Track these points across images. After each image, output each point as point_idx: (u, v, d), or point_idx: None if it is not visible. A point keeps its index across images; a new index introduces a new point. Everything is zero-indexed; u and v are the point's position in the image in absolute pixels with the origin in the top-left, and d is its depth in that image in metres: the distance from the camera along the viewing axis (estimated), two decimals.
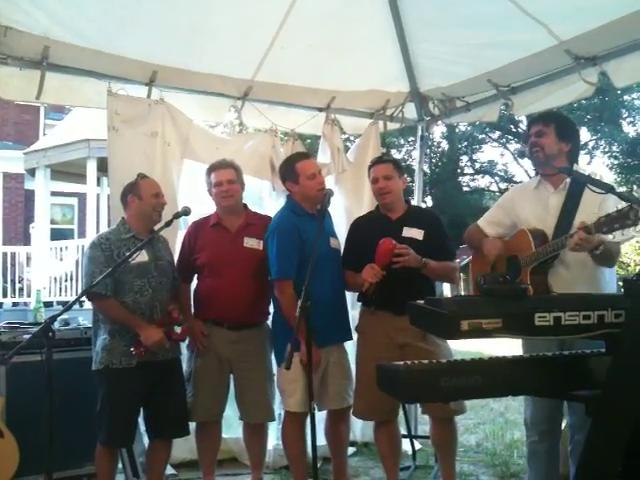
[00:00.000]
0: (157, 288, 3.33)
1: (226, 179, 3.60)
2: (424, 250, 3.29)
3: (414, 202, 5.05)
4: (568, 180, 2.92)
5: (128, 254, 3.11)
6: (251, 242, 3.57)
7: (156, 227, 3.42)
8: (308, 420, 3.03)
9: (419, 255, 3.25)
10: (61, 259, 11.32)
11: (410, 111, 5.07)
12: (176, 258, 3.72)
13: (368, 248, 3.28)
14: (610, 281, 2.93)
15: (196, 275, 3.70)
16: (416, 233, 3.38)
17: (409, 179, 4.56)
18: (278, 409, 3.81)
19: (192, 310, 3.67)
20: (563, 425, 3.11)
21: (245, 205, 3.76)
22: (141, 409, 3.37)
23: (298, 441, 3.44)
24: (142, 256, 3.24)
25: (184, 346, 3.68)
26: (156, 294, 3.32)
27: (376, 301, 3.35)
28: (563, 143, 2.96)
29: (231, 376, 3.61)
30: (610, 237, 2.41)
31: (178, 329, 3.40)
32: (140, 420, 3.44)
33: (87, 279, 3.22)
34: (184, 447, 3.95)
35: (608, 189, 2.41)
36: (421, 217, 3.53)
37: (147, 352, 3.18)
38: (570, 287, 2.73)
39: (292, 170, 3.52)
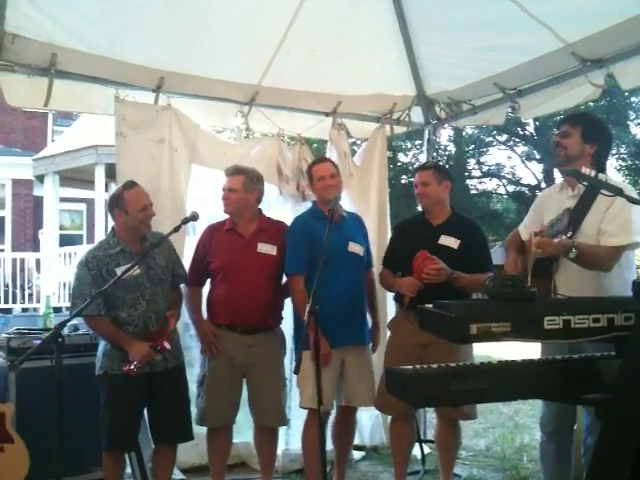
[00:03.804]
0: (151, 300, 3.31)
1: (227, 187, 3.62)
2: (457, 259, 3.39)
3: None
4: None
5: (119, 275, 3.05)
6: (265, 247, 3.58)
7: (164, 233, 3.40)
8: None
9: (450, 264, 3.33)
10: (70, 265, 11.36)
11: (417, 115, 5.06)
12: (184, 263, 3.72)
13: (406, 251, 3.45)
14: (622, 285, 2.88)
15: (209, 280, 3.70)
16: (452, 242, 3.47)
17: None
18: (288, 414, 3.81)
19: (204, 314, 3.67)
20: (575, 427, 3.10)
21: (260, 210, 3.76)
22: (145, 413, 3.38)
23: (316, 441, 3.43)
24: (133, 269, 3.17)
25: (197, 350, 3.69)
26: (150, 306, 3.30)
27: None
28: (588, 145, 2.95)
29: (244, 380, 3.61)
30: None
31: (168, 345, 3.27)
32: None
33: (77, 300, 3.18)
34: (193, 452, 3.96)
35: (617, 192, 2.40)
36: (460, 226, 3.58)
37: (138, 368, 3.14)
38: (573, 291, 2.73)
39: (309, 174, 3.77)
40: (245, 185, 3.61)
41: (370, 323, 3.82)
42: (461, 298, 3.23)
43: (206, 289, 3.75)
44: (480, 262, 3.46)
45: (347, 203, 4.66)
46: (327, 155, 4.87)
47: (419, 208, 3.82)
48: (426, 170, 3.66)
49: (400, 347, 3.47)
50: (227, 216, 3.71)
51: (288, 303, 3.75)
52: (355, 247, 3.62)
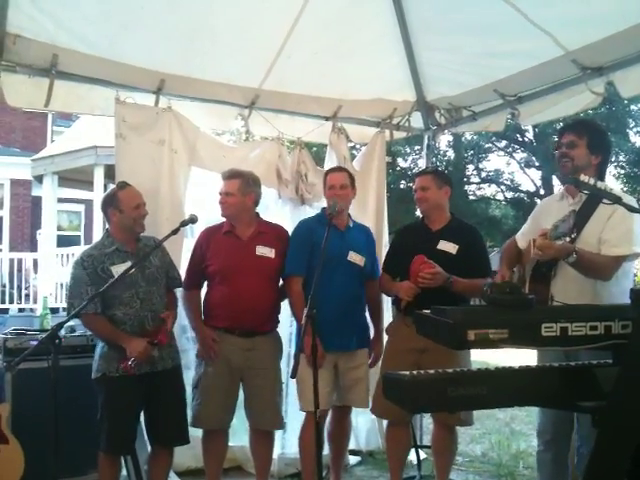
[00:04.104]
0: (146, 298, 3.31)
1: (224, 190, 3.62)
2: (455, 265, 3.40)
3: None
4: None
5: (117, 277, 3.07)
6: (263, 250, 3.59)
7: (161, 235, 3.41)
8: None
9: (449, 269, 3.34)
10: (67, 265, 11.35)
11: (416, 120, 5.07)
12: (182, 265, 3.73)
13: (405, 256, 3.46)
14: (620, 293, 2.88)
15: (206, 283, 3.69)
16: (450, 247, 3.49)
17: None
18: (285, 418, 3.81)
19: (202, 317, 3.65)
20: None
21: (257, 214, 3.76)
22: (142, 415, 3.38)
23: (314, 444, 3.44)
24: (131, 271, 3.16)
25: (194, 353, 3.68)
26: (145, 304, 3.30)
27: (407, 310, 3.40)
28: (593, 156, 2.97)
29: (240, 384, 3.60)
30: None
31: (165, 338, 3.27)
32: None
33: (74, 300, 3.20)
34: (188, 455, 3.94)
35: (616, 200, 2.40)
36: (459, 231, 3.60)
37: (136, 365, 3.14)
38: (570, 298, 2.73)
39: (324, 182, 3.82)
40: (242, 188, 3.61)
41: (371, 333, 3.84)
42: (459, 303, 3.24)
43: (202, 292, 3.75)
44: (479, 267, 3.47)
45: None
46: (326, 159, 4.89)
47: (418, 213, 3.84)
48: (426, 175, 3.70)
49: (397, 352, 3.48)
50: (224, 219, 3.71)
51: (284, 306, 3.75)
52: (355, 257, 3.64)
